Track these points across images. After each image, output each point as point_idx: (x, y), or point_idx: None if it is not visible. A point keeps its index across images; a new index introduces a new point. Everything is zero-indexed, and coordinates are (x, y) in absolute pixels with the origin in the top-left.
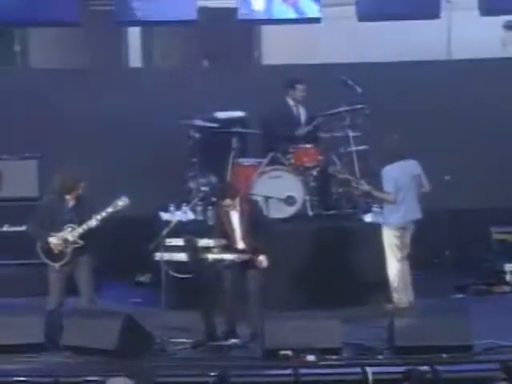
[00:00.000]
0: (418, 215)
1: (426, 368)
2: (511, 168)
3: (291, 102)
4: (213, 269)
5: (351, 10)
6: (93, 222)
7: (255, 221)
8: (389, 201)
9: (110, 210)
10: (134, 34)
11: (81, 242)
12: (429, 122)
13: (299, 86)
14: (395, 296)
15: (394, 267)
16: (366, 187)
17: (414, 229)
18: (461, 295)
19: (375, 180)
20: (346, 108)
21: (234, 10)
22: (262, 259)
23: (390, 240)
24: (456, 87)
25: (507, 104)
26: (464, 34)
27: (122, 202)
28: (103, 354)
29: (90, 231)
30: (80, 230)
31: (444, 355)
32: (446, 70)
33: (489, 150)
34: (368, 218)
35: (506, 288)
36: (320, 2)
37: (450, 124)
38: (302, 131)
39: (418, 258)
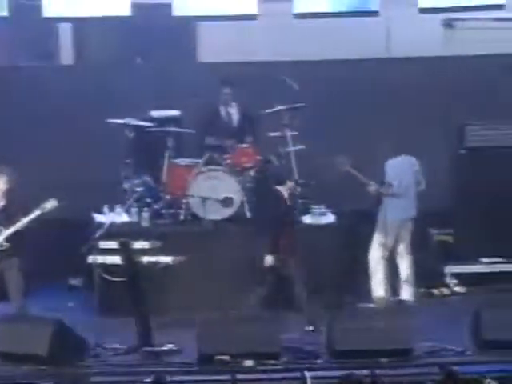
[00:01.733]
0: (414, 212)
1: (365, 372)
2: (449, 169)
3: (226, 102)
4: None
5: (288, 6)
6: (19, 225)
7: None
8: (390, 193)
9: (37, 212)
10: (65, 30)
11: (6, 245)
12: (367, 121)
13: (224, 89)
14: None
15: (375, 259)
16: (373, 187)
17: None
18: (400, 298)
19: (315, 179)
20: (284, 107)
21: (168, 6)
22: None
23: (383, 233)
24: (395, 85)
25: (447, 102)
26: (404, 31)
27: (49, 205)
28: (34, 360)
29: (18, 234)
30: (5, 233)
31: (384, 359)
32: (385, 68)
33: (426, 150)
34: (307, 219)
35: (446, 290)
36: None
37: (387, 122)
38: (237, 131)
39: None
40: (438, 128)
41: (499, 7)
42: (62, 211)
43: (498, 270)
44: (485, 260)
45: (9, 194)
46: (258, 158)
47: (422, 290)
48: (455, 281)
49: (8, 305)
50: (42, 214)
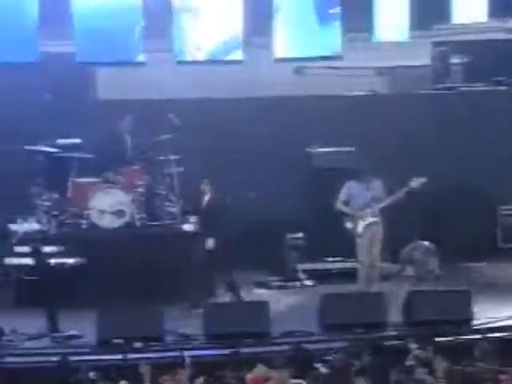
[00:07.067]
0: None
1: (232, 350)
2: (299, 186)
3: (120, 131)
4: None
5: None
6: None
7: None
8: None
9: None
10: None
11: None
12: (231, 153)
13: (128, 117)
14: None
15: None
16: None
17: None
18: (262, 290)
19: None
20: (168, 136)
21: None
22: None
23: None
24: (258, 121)
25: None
26: (263, 75)
27: None
28: None
29: None
30: None
31: (248, 340)
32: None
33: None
34: (186, 227)
35: (298, 284)
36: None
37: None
38: (129, 155)
39: None
40: (289, 154)
41: (339, 58)
42: None
43: (338, 266)
44: (329, 259)
45: None
46: (146, 177)
47: (279, 283)
48: (305, 276)
49: None
50: None
